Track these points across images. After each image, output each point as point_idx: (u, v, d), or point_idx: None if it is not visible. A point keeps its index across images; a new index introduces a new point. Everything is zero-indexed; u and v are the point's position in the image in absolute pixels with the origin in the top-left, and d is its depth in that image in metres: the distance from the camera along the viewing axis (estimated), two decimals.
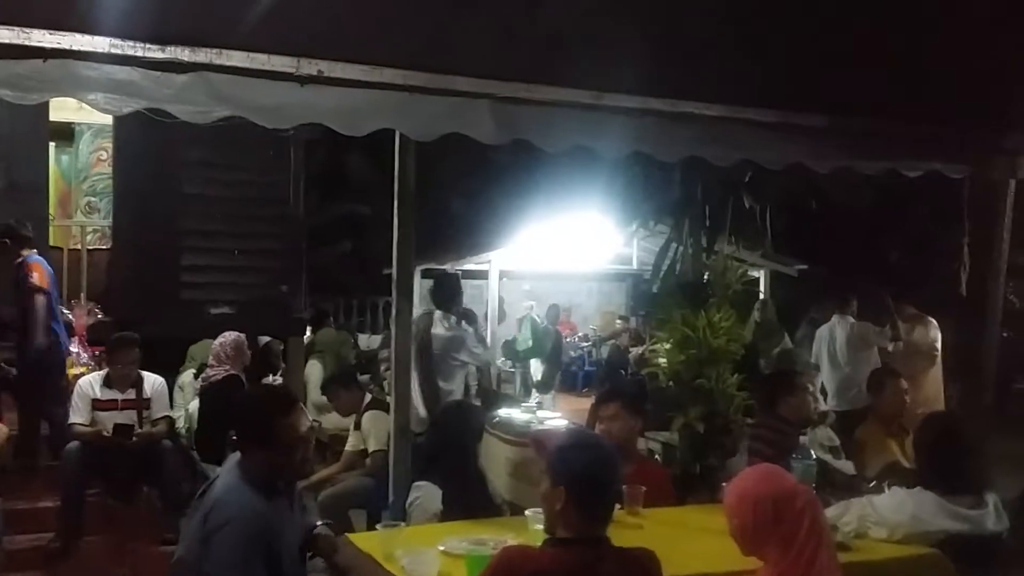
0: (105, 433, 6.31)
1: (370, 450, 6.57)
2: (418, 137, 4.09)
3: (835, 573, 2.84)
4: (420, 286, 9.84)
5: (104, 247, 10.27)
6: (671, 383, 6.08)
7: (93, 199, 11.05)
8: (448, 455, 4.29)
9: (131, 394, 6.59)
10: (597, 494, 2.73)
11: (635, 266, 14.59)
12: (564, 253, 13.94)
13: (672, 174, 6.15)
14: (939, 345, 8.43)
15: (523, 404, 8.31)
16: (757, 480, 2.94)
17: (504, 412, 7.61)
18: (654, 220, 6.95)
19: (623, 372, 13.60)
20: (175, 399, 7.89)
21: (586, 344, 17.26)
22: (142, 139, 8.20)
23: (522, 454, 6.06)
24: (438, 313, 6.96)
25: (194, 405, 7.41)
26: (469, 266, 13.28)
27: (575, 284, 17.98)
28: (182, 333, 8.49)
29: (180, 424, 7.67)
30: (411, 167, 5.04)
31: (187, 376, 8.11)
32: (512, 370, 13.11)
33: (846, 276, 13.01)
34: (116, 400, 6.53)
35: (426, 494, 4.10)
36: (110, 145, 9.80)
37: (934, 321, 8.56)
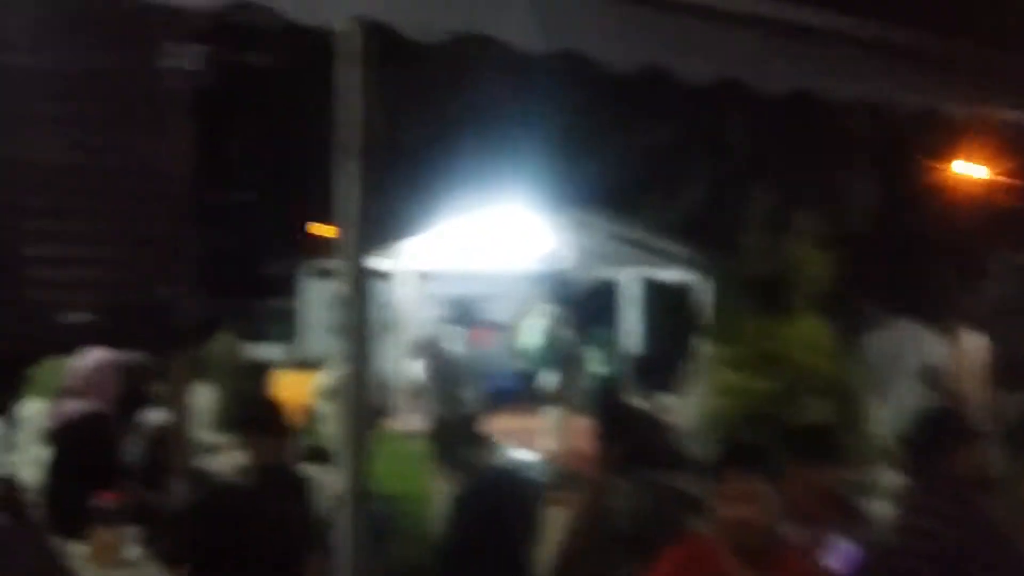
0: None
1: None
2: (413, 33, 3.00)
3: None
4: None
5: None
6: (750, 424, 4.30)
7: None
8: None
9: None
10: None
11: (565, 264, 12.99)
12: (481, 247, 12.34)
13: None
14: None
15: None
16: None
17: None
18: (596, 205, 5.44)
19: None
20: (17, 438, 5.70)
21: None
22: None
23: None
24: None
25: (42, 451, 5.24)
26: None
27: (484, 286, 16.19)
28: (22, 348, 6.26)
29: (25, 475, 5.51)
30: (372, 85, 3.52)
31: (31, 409, 5.95)
32: None
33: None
34: None
35: None
36: None
37: None
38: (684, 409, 6.41)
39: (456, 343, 15.05)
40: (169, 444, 6.05)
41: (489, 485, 3.66)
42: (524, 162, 12.83)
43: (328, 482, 4.66)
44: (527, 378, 14.03)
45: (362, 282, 3.98)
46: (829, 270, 4.35)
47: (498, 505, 3.07)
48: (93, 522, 4.34)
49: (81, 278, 6.73)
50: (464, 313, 16.14)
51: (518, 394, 14.05)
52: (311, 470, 5.51)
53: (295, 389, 13.82)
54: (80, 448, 5.06)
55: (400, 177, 12.88)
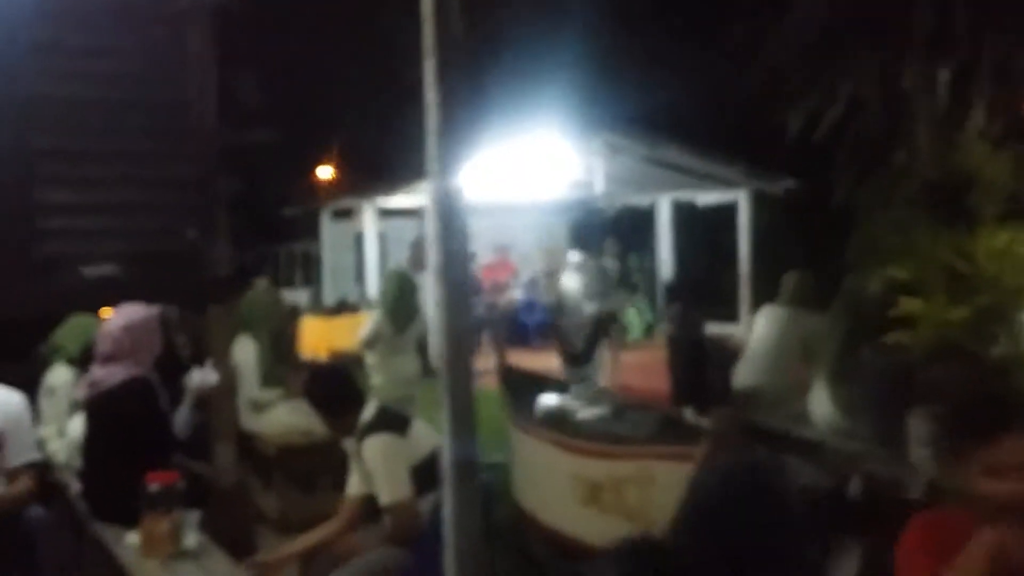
0: None
1: (384, 502, 3.93)
2: None
3: None
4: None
5: None
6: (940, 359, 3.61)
7: None
8: None
9: None
10: None
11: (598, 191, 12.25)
12: (507, 179, 11.60)
13: None
14: None
15: (572, 384, 5.77)
16: None
17: (548, 401, 5.11)
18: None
19: None
20: (44, 411, 5.03)
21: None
22: None
23: (606, 469, 4.57)
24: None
25: (76, 426, 4.55)
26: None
27: (504, 218, 15.40)
28: (42, 309, 5.60)
29: (58, 455, 4.82)
30: None
31: (59, 376, 5.31)
32: None
33: None
34: None
35: None
36: None
37: None
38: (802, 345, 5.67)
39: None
40: (217, 408, 5.41)
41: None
42: (553, 86, 11.95)
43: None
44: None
45: (449, 205, 3.11)
46: (1014, 172, 3.63)
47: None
48: (143, 508, 3.67)
49: (100, 227, 6.04)
50: (497, 247, 15.43)
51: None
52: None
53: (322, 336, 13.26)
54: (121, 420, 4.35)
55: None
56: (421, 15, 3.25)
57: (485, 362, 12.24)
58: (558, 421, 5.21)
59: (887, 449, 4.87)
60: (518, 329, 14.49)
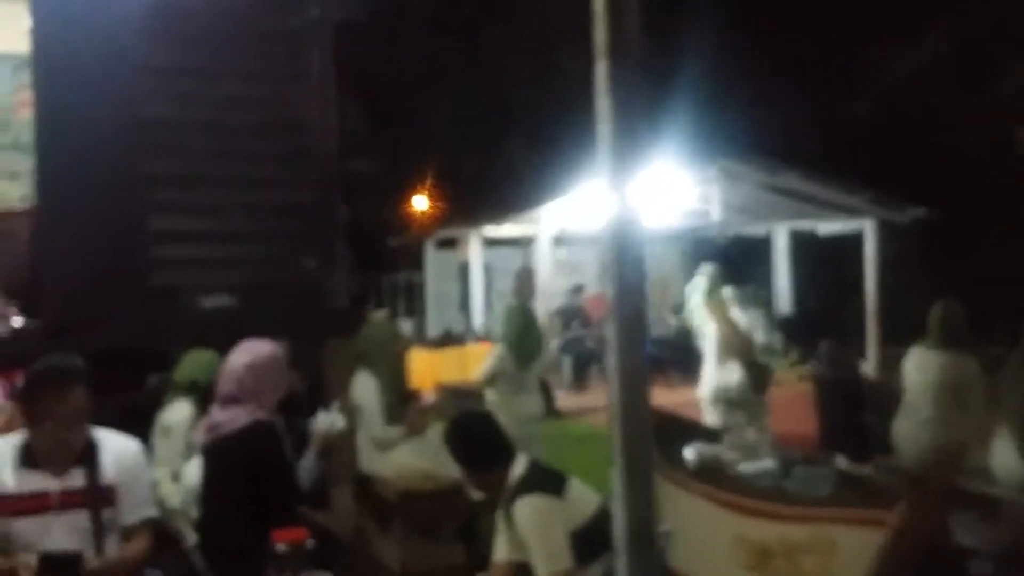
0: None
1: (541, 573, 3.44)
2: None
3: None
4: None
5: (21, 208, 6.77)
6: None
7: (17, 157, 7.56)
8: None
9: (75, 479, 3.39)
10: None
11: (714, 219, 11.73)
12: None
13: None
14: None
15: (722, 432, 5.26)
16: None
17: (701, 450, 4.60)
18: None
19: None
20: (158, 451, 4.67)
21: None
22: (72, 46, 4.98)
23: (778, 532, 4.08)
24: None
25: (192, 470, 4.17)
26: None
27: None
28: (155, 340, 5.26)
29: (170, 499, 4.46)
30: None
31: (177, 413, 4.92)
32: None
33: None
34: (46, 494, 3.32)
35: None
36: None
37: None
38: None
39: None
40: (338, 450, 5.01)
41: None
42: (671, 112, 11.47)
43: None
44: (678, 346, 12.71)
45: (626, 229, 2.56)
46: None
47: None
48: (270, 569, 3.25)
49: (216, 256, 5.72)
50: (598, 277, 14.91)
51: (669, 363, 12.69)
52: None
53: (427, 368, 12.87)
54: (244, 470, 3.96)
55: (540, 137, 11.69)
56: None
57: (593, 398, 11.83)
58: (714, 474, 4.66)
59: None
60: (654, 366, 13.95)
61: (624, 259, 2.66)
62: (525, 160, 12.62)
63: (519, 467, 3.60)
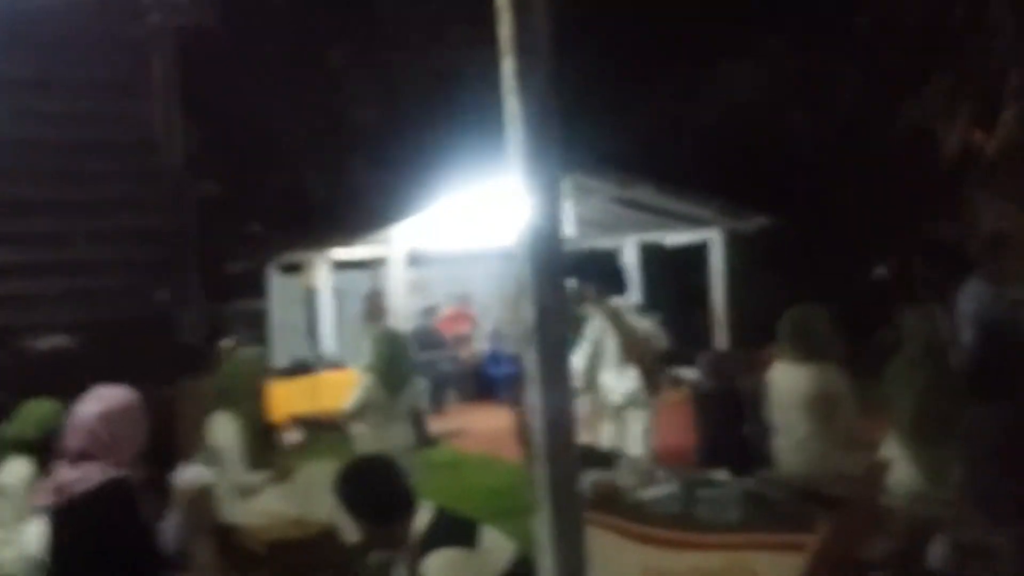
0: None
1: None
2: None
3: None
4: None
5: None
6: None
7: None
8: None
9: None
10: None
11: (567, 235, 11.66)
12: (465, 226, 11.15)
13: None
14: None
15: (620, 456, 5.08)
16: None
17: (594, 478, 4.46)
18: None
19: None
20: None
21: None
22: None
23: (689, 562, 3.91)
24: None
25: (32, 534, 3.66)
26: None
27: (462, 267, 14.68)
28: None
29: (6, 567, 3.93)
30: None
31: (13, 472, 4.34)
32: None
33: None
34: None
35: None
36: None
37: None
38: None
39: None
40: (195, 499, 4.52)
41: None
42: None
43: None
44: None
45: (544, 246, 2.30)
46: None
47: None
48: None
49: (54, 290, 5.13)
50: (456, 297, 14.66)
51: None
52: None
53: (277, 400, 12.17)
54: (97, 534, 3.45)
55: (387, 157, 11.34)
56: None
57: (453, 422, 11.54)
58: (614, 503, 4.43)
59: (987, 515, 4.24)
60: (484, 383, 13.73)
61: (542, 280, 2.33)
62: (374, 179, 12.24)
63: (424, 517, 3.24)
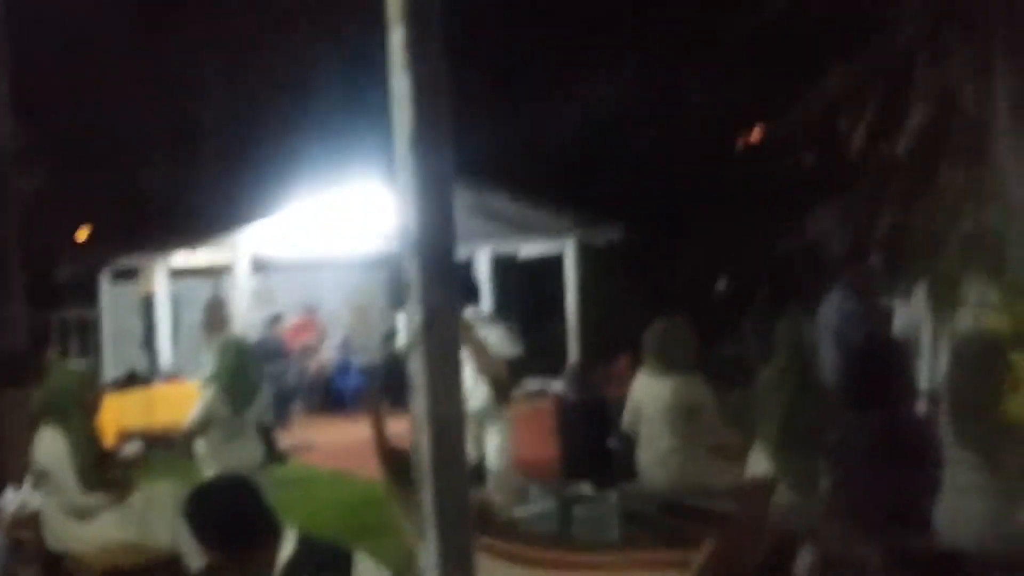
0: None
1: None
2: None
3: None
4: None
5: None
6: None
7: None
8: None
9: None
10: None
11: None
12: (312, 234, 10.85)
13: None
14: None
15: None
16: None
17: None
18: None
19: None
20: None
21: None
22: None
23: None
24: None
25: None
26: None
27: (309, 276, 14.23)
28: None
29: None
30: None
31: None
32: None
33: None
34: None
35: None
36: None
37: None
38: None
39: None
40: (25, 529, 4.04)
41: None
42: (368, 132, 11.07)
43: None
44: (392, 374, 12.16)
45: (434, 242, 2.15)
46: None
47: None
48: None
49: None
50: (303, 307, 14.14)
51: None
52: None
53: (109, 414, 11.39)
54: None
55: (235, 159, 10.78)
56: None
57: (301, 436, 11.06)
58: (485, 521, 4.18)
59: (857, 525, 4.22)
60: (333, 395, 13.30)
61: (432, 277, 2.14)
62: (217, 180, 11.64)
63: (288, 546, 2.90)
